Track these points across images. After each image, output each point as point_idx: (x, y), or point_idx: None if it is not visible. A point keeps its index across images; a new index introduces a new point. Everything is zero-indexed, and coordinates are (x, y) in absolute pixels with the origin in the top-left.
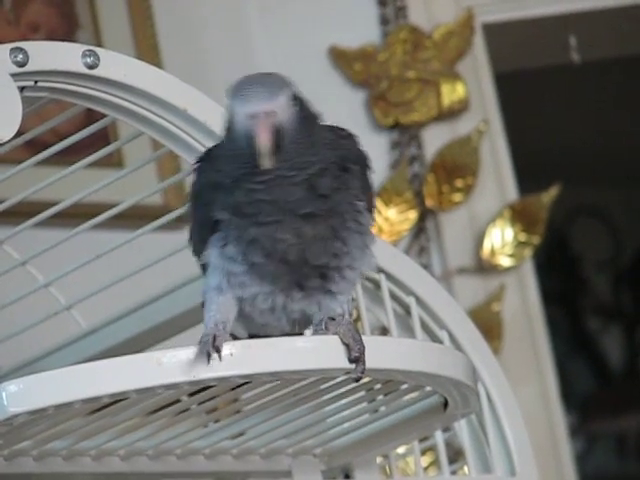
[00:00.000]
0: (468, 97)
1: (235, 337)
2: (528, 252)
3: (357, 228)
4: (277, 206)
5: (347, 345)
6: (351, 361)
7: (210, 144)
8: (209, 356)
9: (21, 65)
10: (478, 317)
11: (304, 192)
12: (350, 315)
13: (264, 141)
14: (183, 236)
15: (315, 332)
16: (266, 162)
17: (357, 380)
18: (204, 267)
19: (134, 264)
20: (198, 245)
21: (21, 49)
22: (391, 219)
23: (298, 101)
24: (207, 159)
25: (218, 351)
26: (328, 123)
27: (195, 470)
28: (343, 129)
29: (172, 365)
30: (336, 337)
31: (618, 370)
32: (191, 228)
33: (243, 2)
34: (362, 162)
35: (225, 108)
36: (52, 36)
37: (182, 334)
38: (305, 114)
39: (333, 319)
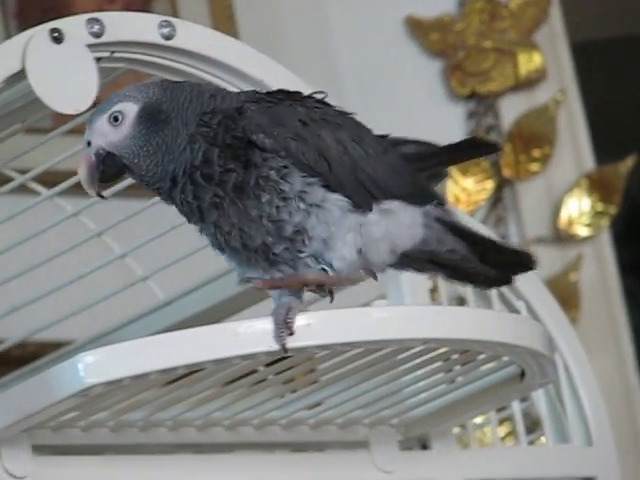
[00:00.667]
0: (545, 67)
1: None
2: (605, 222)
3: (278, 198)
4: (188, 207)
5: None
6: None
7: None
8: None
9: (97, 36)
10: (555, 287)
11: (192, 190)
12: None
13: (80, 173)
14: None
15: None
16: (89, 191)
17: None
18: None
19: None
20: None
21: (97, 20)
22: (468, 189)
23: (145, 111)
24: None
25: (289, 328)
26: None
27: (271, 441)
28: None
29: (248, 336)
30: (412, 307)
31: None
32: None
33: None
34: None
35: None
36: (128, 7)
37: (259, 304)
38: (159, 119)
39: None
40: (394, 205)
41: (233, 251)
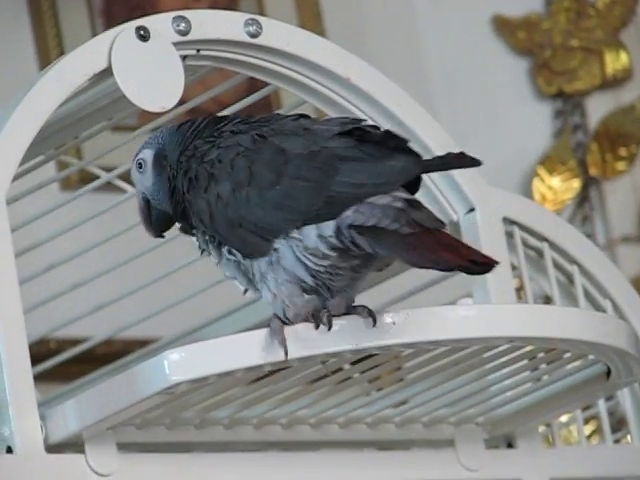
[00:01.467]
0: (632, 66)
1: None
2: None
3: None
4: None
5: None
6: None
7: (373, 113)
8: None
9: (183, 34)
10: None
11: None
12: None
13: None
14: None
15: None
16: (149, 235)
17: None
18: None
19: None
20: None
21: (183, 18)
22: (555, 188)
23: (156, 157)
24: None
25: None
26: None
27: (357, 439)
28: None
29: (334, 333)
30: (498, 306)
31: None
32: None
33: None
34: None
35: None
36: (214, 5)
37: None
38: (163, 164)
39: None
40: (281, 244)
41: None
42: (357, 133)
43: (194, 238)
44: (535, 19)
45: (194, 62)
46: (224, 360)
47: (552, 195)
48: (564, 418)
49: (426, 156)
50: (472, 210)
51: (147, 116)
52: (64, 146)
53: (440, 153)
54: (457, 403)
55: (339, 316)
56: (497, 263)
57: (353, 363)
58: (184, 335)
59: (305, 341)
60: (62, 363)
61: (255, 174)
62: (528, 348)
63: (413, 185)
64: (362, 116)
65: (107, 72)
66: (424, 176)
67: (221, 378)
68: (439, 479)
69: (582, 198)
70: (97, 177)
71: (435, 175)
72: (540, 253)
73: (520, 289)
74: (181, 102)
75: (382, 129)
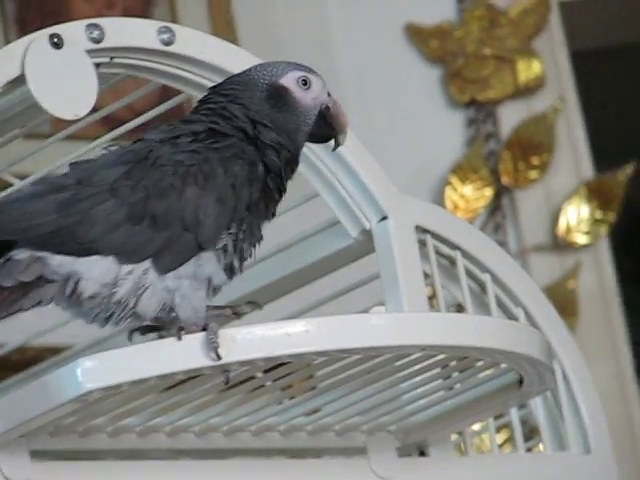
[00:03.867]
0: (544, 74)
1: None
2: (604, 230)
3: None
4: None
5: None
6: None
7: None
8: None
9: (97, 42)
10: (554, 294)
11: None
12: None
13: (347, 118)
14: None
15: None
16: (344, 139)
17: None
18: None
19: None
20: (217, 230)
21: (97, 25)
22: (467, 196)
23: None
24: (239, 152)
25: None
26: None
27: (269, 447)
28: None
29: (247, 342)
30: (411, 314)
31: None
32: (204, 211)
33: None
34: None
35: (265, 78)
36: (127, 13)
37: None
38: None
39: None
40: None
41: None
42: None
43: None
44: (448, 27)
45: (107, 70)
46: (137, 368)
47: (464, 203)
48: (476, 426)
49: (337, 162)
50: (385, 218)
51: (60, 124)
52: None
53: (352, 161)
54: (369, 411)
55: None
56: None
57: (265, 371)
58: (97, 343)
59: (221, 349)
60: None
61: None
62: (440, 356)
63: None
64: None
65: (20, 80)
66: (337, 184)
67: (134, 386)
68: None
69: (494, 207)
70: (11, 185)
71: (348, 183)
72: (452, 261)
73: (432, 297)
74: (94, 110)
75: None
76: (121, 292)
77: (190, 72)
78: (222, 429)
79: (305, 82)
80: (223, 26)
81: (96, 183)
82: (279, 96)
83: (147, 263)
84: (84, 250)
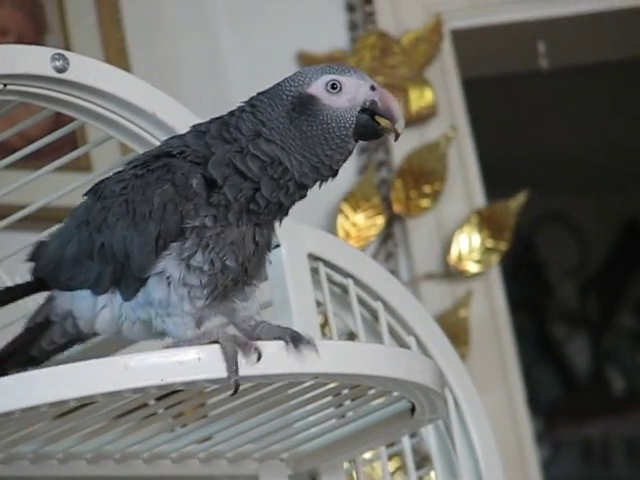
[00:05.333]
0: (436, 103)
1: None
2: (495, 258)
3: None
4: (279, 207)
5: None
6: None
7: None
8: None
9: None
10: (445, 323)
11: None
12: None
13: (398, 104)
14: None
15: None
16: (402, 126)
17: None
18: (139, 284)
19: None
20: (144, 256)
21: None
22: (359, 224)
23: None
24: (165, 167)
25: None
26: None
27: (162, 474)
28: None
29: (139, 369)
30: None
31: (584, 377)
32: (131, 239)
33: (212, 7)
34: None
35: (290, 88)
36: (21, 40)
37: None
38: None
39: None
40: None
41: (237, 270)
42: None
43: None
44: (340, 55)
45: (0, 97)
46: (29, 395)
47: (356, 232)
48: (368, 454)
49: None
50: (277, 246)
51: None
52: None
53: None
54: (262, 439)
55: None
56: None
57: (158, 399)
58: None
59: (109, 377)
60: None
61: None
62: (332, 384)
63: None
64: None
65: None
66: None
67: (25, 413)
68: None
69: (386, 235)
70: None
71: None
72: (345, 289)
73: (325, 325)
74: None
75: None
76: (102, 324)
77: (83, 99)
78: (114, 456)
79: (334, 86)
80: (116, 54)
81: (76, 217)
82: (305, 106)
83: (118, 294)
84: (68, 287)
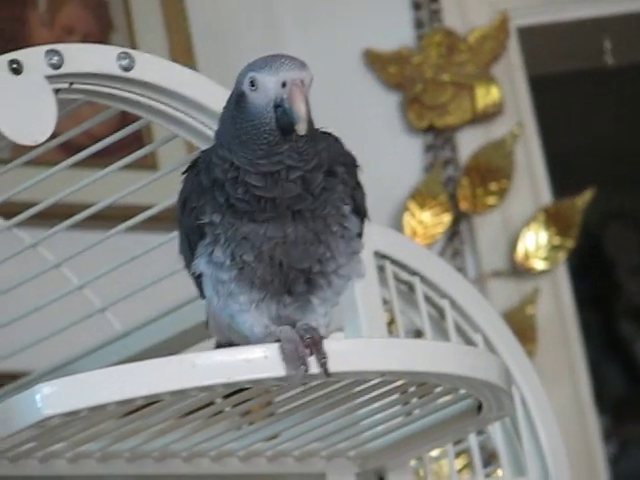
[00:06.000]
0: (502, 100)
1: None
2: (562, 256)
3: (342, 232)
4: (273, 203)
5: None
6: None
7: None
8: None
9: (56, 67)
10: (512, 320)
11: (299, 189)
12: (326, 327)
13: (302, 104)
14: None
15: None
16: (302, 127)
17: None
18: (199, 283)
19: (168, 266)
20: (187, 256)
21: (56, 51)
22: (425, 222)
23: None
24: (192, 167)
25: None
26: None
27: (229, 472)
28: (329, 132)
29: (207, 367)
30: (370, 340)
31: None
32: (180, 240)
33: (277, 4)
34: (350, 165)
35: (236, 86)
36: (87, 39)
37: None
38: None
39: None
40: None
41: (264, 266)
42: None
43: None
44: (406, 53)
45: (67, 96)
46: (96, 393)
47: (423, 229)
48: (435, 452)
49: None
50: None
51: (20, 149)
52: None
53: None
54: (328, 437)
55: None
56: None
57: (225, 397)
58: (56, 368)
59: (176, 375)
60: None
61: None
62: (399, 382)
63: None
64: None
65: None
66: None
67: (93, 411)
68: None
69: (452, 232)
70: None
71: None
72: (411, 287)
73: (391, 323)
74: (53, 135)
75: None
76: (210, 327)
77: (149, 98)
78: (181, 455)
79: (252, 83)
80: (182, 52)
81: None
82: (239, 104)
83: None
84: None
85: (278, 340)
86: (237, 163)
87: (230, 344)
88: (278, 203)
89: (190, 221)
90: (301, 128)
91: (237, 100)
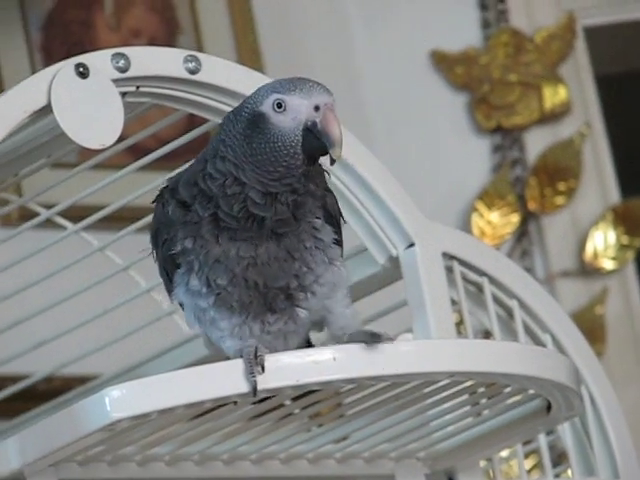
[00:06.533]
0: (570, 100)
1: None
2: (631, 255)
3: (316, 244)
4: (261, 223)
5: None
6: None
7: None
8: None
9: (123, 71)
10: (581, 320)
11: (289, 212)
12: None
13: (337, 128)
14: None
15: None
16: (338, 151)
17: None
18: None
19: None
20: (167, 286)
21: (123, 55)
22: (493, 222)
23: None
24: (159, 198)
25: (262, 365)
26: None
27: (298, 474)
28: None
29: (275, 370)
30: (438, 341)
31: None
32: (159, 272)
33: (345, 5)
34: (318, 173)
35: (250, 106)
36: (153, 41)
37: None
38: None
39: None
40: None
41: (240, 288)
42: None
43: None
44: (473, 54)
45: (133, 99)
46: (165, 396)
47: (491, 230)
48: (505, 453)
49: (363, 189)
50: (412, 245)
51: (87, 153)
52: (4, 183)
53: (379, 188)
54: (398, 438)
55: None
56: None
57: (294, 399)
58: (124, 372)
59: (244, 378)
60: (2, 400)
61: None
62: (468, 383)
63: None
64: None
65: (47, 109)
66: (364, 211)
67: (162, 414)
68: None
69: (521, 233)
70: (37, 214)
71: (375, 210)
72: (480, 288)
73: (460, 324)
74: (120, 139)
75: None
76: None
77: (216, 100)
78: (251, 457)
79: (280, 105)
80: (249, 54)
81: None
82: (256, 123)
83: None
84: None
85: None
86: (244, 179)
87: (228, 358)
88: (265, 224)
89: (163, 253)
90: (337, 152)
91: (253, 120)
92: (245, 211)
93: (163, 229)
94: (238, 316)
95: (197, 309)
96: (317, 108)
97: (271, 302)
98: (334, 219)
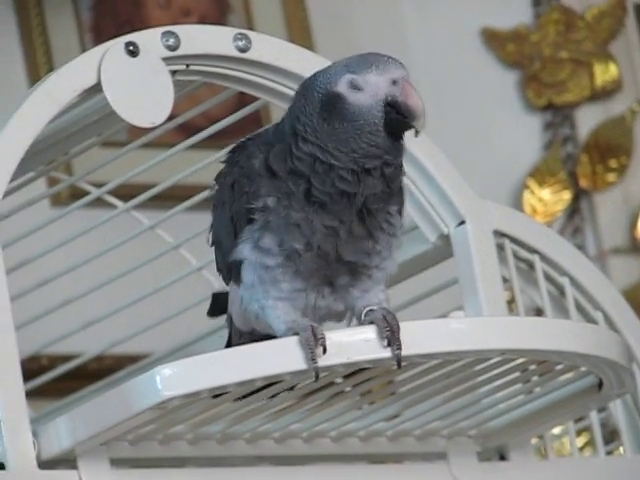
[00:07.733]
0: (621, 77)
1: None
2: None
3: (388, 229)
4: (352, 198)
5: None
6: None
7: None
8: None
9: (173, 49)
10: (632, 297)
11: (382, 185)
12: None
13: (418, 100)
14: None
15: (361, 323)
16: (421, 123)
17: (398, 365)
18: (232, 269)
19: None
20: (226, 241)
21: (173, 33)
22: (545, 200)
23: None
24: (239, 152)
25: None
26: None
27: (349, 452)
28: None
29: (327, 347)
30: (490, 318)
31: None
32: (215, 226)
33: None
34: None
35: (324, 88)
36: (203, 20)
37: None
38: None
39: (372, 309)
40: None
41: (311, 255)
42: None
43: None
44: (524, 31)
45: (183, 77)
46: (216, 375)
47: (542, 207)
48: (556, 430)
49: (414, 167)
50: (463, 223)
51: (137, 132)
52: (54, 162)
53: (430, 166)
54: (449, 416)
55: None
56: None
57: (345, 377)
58: (175, 350)
59: (297, 356)
60: (54, 379)
61: None
62: (520, 360)
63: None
64: None
65: (97, 88)
66: (415, 189)
67: (213, 392)
68: None
69: (572, 210)
70: (87, 193)
71: (426, 188)
72: (531, 265)
73: (511, 301)
74: (170, 117)
75: None
76: (235, 316)
77: (266, 78)
78: (302, 435)
79: (354, 84)
80: (299, 32)
81: None
82: (333, 104)
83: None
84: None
85: (296, 333)
86: (330, 160)
87: (251, 333)
88: (357, 200)
89: (239, 205)
90: (420, 124)
91: (328, 101)
92: (335, 188)
93: (245, 181)
94: (301, 281)
95: (261, 267)
96: (394, 82)
97: (334, 276)
98: (401, 212)
